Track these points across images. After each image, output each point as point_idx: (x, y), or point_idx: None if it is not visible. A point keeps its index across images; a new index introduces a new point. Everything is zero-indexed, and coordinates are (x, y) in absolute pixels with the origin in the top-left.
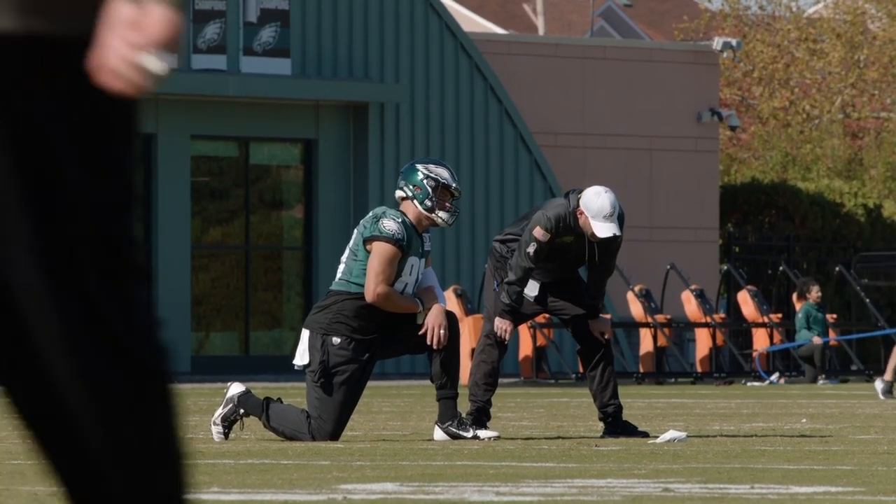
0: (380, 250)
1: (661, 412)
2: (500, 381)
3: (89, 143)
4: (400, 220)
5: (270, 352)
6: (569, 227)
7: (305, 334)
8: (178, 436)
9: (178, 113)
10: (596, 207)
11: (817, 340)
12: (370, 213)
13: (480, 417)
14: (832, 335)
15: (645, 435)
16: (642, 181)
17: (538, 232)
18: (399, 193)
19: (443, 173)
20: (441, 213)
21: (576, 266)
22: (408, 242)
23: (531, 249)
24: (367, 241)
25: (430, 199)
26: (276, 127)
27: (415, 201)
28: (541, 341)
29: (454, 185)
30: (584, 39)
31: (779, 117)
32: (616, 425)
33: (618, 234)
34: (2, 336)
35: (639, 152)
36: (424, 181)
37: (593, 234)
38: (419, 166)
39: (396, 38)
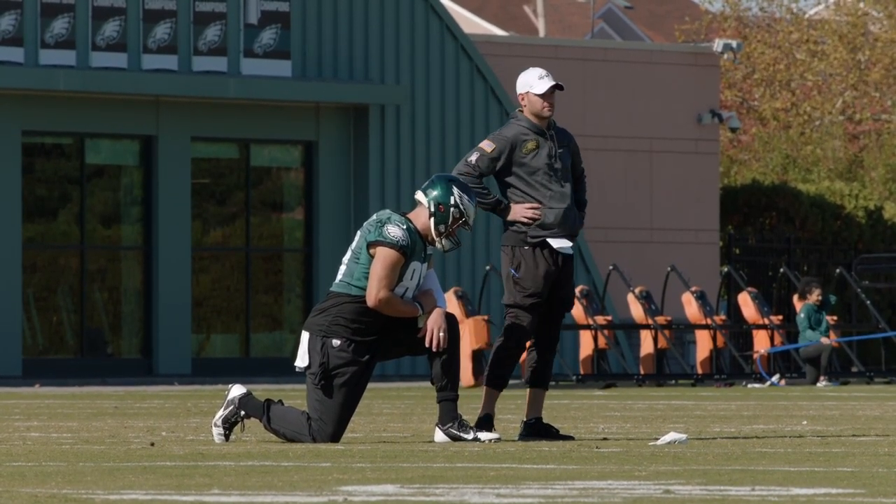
0: (384, 256)
1: (662, 414)
2: None
3: None
4: (405, 227)
5: (271, 354)
6: (524, 131)
7: (305, 336)
8: None
9: (178, 115)
10: (528, 78)
11: (825, 341)
12: (374, 217)
13: (495, 375)
14: (833, 337)
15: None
16: (643, 183)
17: (484, 142)
18: (420, 199)
19: (470, 211)
20: (445, 241)
21: (567, 178)
22: (411, 248)
23: (473, 157)
24: (370, 245)
25: (446, 227)
26: (277, 129)
27: (432, 219)
28: None
29: (472, 223)
30: (584, 41)
31: (779, 119)
32: (538, 427)
33: (558, 83)
34: None
35: (639, 154)
36: (452, 209)
37: (541, 102)
38: (455, 191)
39: (397, 39)
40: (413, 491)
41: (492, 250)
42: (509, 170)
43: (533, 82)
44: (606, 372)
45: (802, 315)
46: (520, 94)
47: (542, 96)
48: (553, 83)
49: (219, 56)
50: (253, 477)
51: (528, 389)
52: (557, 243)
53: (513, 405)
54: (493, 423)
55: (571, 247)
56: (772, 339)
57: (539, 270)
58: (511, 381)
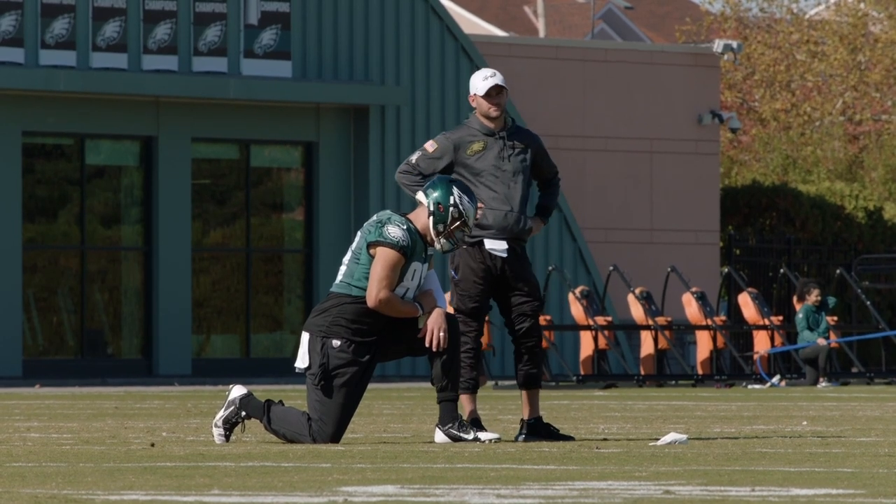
0: (384, 256)
1: (662, 414)
2: (501, 384)
3: None
4: (405, 227)
5: (271, 354)
6: (472, 132)
7: (305, 337)
8: None
9: (178, 115)
10: (474, 80)
11: (822, 342)
12: (374, 217)
13: (471, 385)
14: (833, 337)
15: (568, 438)
16: (643, 184)
17: (428, 143)
18: (420, 199)
19: (470, 212)
20: (444, 241)
21: (517, 180)
22: (411, 248)
23: (414, 157)
24: (370, 245)
25: (445, 226)
26: (277, 129)
27: (431, 219)
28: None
29: (472, 224)
30: (584, 42)
31: (780, 119)
32: (539, 426)
33: (500, 83)
34: None
35: (639, 155)
36: (451, 208)
37: (486, 104)
38: (455, 191)
39: (397, 40)
40: (413, 492)
41: None
42: (453, 170)
43: (478, 84)
44: (607, 372)
45: (800, 316)
46: (470, 96)
47: (486, 97)
48: (494, 83)
49: (219, 56)
50: (253, 477)
51: (520, 392)
52: (491, 244)
53: (513, 405)
54: (482, 425)
55: (506, 249)
56: (772, 339)
57: (474, 271)
58: (510, 384)
